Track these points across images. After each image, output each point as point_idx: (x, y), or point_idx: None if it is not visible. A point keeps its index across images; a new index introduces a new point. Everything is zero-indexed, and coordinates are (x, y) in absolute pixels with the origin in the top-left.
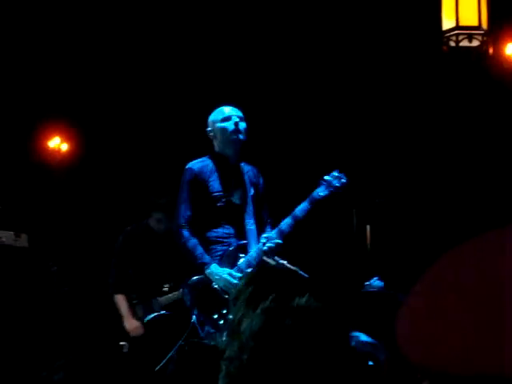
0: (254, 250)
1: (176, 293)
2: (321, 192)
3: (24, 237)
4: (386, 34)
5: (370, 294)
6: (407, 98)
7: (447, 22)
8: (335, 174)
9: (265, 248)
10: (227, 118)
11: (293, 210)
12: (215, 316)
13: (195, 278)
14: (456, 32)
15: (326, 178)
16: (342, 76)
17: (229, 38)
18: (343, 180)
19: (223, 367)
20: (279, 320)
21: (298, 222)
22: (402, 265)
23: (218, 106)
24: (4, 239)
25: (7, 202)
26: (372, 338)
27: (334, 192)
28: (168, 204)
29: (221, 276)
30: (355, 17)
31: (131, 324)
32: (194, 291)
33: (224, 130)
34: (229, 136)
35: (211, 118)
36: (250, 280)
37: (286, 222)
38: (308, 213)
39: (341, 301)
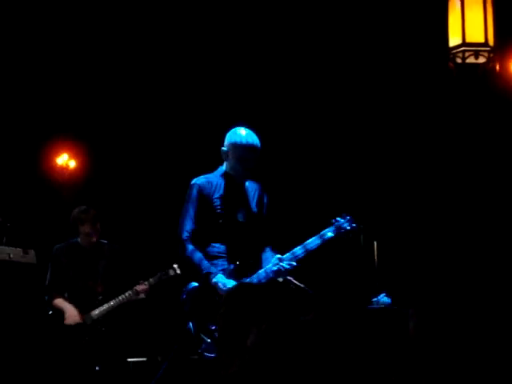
0: (263, 270)
1: (107, 305)
2: (329, 233)
3: (32, 253)
4: (393, 51)
5: (378, 310)
6: (415, 115)
7: (453, 39)
8: (346, 216)
9: (276, 268)
10: (243, 148)
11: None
12: (213, 327)
13: (194, 285)
14: (462, 49)
15: (338, 222)
16: (350, 95)
17: (239, 54)
18: (354, 224)
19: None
20: (276, 336)
21: (310, 253)
22: (409, 281)
23: (227, 125)
24: (12, 255)
25: (16, 218)
26: (380, 354)
27: (342, 236)
28: (95, 216)
29: (226, 285)
30: (363, 34)
31: (71, 312)
32: (192, 298)
33: (238, 159)
34: (241, 166)
35: (228, 139)
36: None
37: (297, 251)
38: (318, 248)
39: (348, 317)
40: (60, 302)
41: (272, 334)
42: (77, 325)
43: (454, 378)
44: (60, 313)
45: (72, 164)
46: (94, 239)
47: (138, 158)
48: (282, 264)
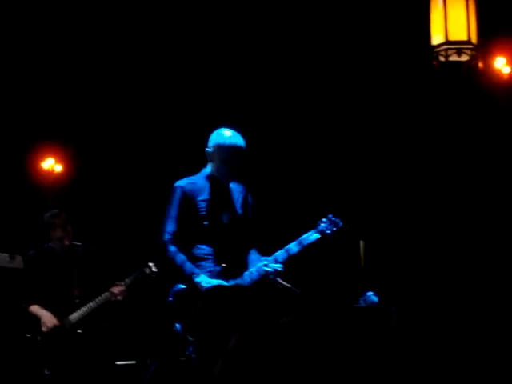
0: (254, 269)
1: (84, 308)
2: (312, 236)
3: (19, 258)
4: (377, 49)
5: (365, 308)
6: (399, 113)
7: (436, 37)
8: (331, 218)
9: (264, 270)
10: (228, 150)
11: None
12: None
13: (180, 286)
14: (445, 47)
15: (322, 224)
16: (333, 93)
17: (224, 54)
18: (339, 225)
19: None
20: (256, 338)
21: (291, 257)
22: (396, 280)
23: (211, 127)
24: None
25: (1, 223)
26: (367, 352)
27: (329, 237)
28: (66, 220)
29: (210, 283)
30: (347, 33)
31: (47, 317)
32: (178, 300)
33: (223, 160)
34: (226, 168)
35: (212, 140)
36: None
37: (292, 247)
38: (301, 251)
39: (335, 316)
40: (36, 309)
41: (253, 336)
42: (55, 329)
43: (437, 372)
44: (37, 320)
45: (58, 168)
46: (67, 242)
47: (122, 161)
48: (266, 269)
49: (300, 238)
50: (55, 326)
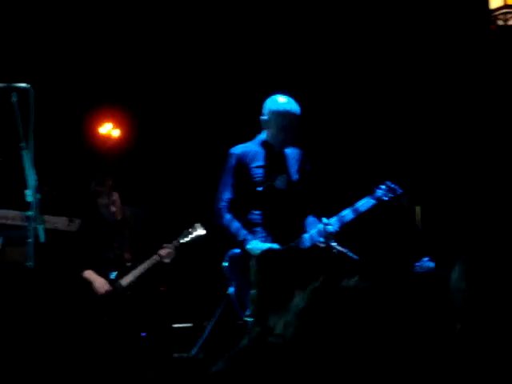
0: (314, 230)
1: (135, 271)
2: (368, 202)
3: (77, 222)
4: (434, 15)
5: (421, 274)
6: (456, 78)
7: (495, 1)
8: (389, 184)
9: (325, 230)
10: (284, 116)
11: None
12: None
13: (235, 250)
14: (504, 11)
15: (379, 190)
16: (390, 58)
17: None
18: (397, 192)
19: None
20: (324, 300)
21: (358, 215)
22: (453, 245)
23: (269, 93)
24: (58, 225)
25: (60, 187)
26: (420, 319)
27: (386, 203)
28: (111, 187)
29: (262, 249)
30: (402, 4)
31: (100, 282)
32: (232, 263)
33: (280, 127)
34: (283, 134)
35: (268, 107)
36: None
37: (347, 214)
38: (369, 209)
39: (391, 282)
40: (89, 274)
41: (318, 298)
42: (108, 294)
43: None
44: (89, 285)
45: (115, 133)
46: (114, 209)
47: (179, 127)
48: (327, 227)
49: (355, 205)
50: (107, 292)
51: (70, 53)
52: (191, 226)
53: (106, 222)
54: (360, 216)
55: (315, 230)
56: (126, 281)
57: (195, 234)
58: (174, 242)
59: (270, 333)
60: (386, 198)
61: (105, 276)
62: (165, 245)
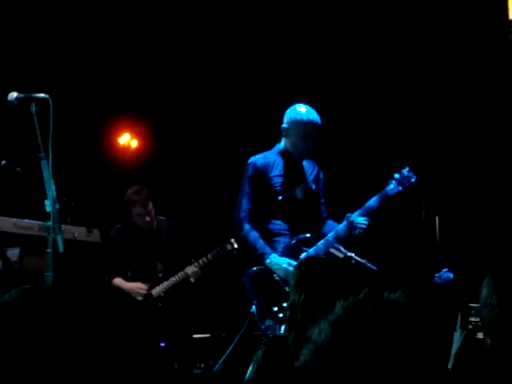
0: (321, 242)
1: (167, 283)
2: (393, 189)
3: (96, 232)
4: (452, 23)
5: (440, 285)
6: (474, 89)
7: None
8: (405, 172)
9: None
10: (305, 125)
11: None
12: (275, 309)
13: (255, 268)
14: None
15: (397, 175)
16: (407, 67)
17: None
18: (413, 179)
19: (305, 350)
20: (361, 311)
21: (370, 214)
22: (472, 256)
23: (290, 103)
24: (77, 235)
25: (79, 198)
26: (439, 329)
27: (405, 190)
28: (146, 197)
29: (280, 265)
30: (420, 9)
31: (132, 286)
32: (254, 281)
33: (301, 136)
34: (303, 143)
35: (289, 116)
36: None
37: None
38: (379, 207)
39: (411, 292)
40: (120, 282)
41: (356, 308)
42: (139, 301)
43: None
44: (120, 292)
45: (134, 144)
46: (148, 219)
47: (199, 137)
48: (361, 219)
49: (381, 192)
50: (145, 292)
51: (89, 63)
52: (226, 241)
53: (141, 231)
54: (371, 214)
55: (333, 232)
56: (156, 291)
57: (228, 250)
58: (209, 256)
59: (307, 341)
60: (408, 183)
61: None
62: (193, 260)
